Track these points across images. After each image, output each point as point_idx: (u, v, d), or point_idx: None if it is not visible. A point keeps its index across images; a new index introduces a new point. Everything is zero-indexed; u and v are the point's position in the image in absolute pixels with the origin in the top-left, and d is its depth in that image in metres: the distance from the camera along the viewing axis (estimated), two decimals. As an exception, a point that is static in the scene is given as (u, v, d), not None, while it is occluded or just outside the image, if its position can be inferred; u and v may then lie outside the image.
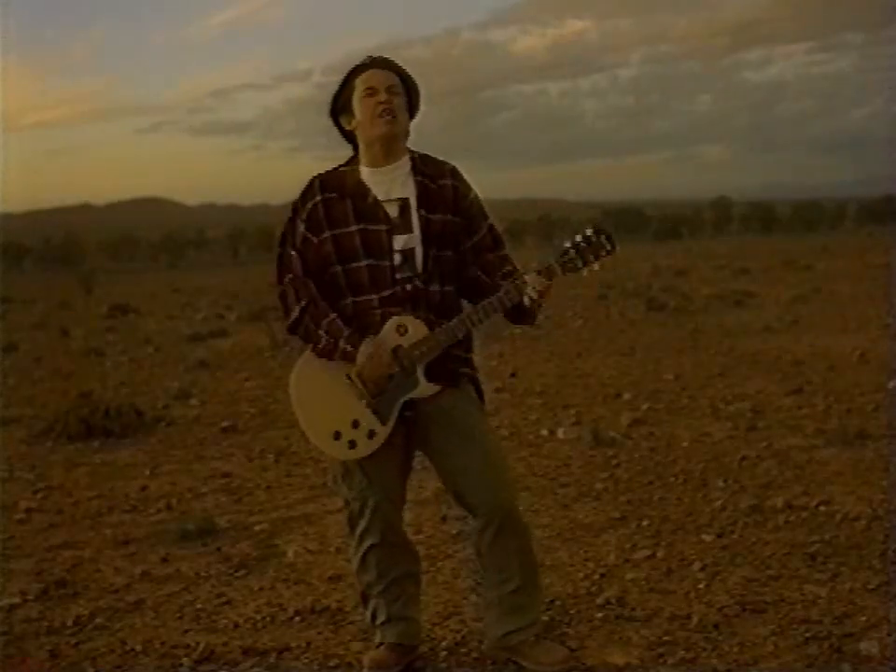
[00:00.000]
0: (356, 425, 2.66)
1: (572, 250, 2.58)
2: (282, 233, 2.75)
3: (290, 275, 2.71)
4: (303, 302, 2.68)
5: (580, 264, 2.58)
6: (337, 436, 2.67)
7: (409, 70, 2.72)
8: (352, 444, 2.67)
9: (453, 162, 2.77)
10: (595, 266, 2.59)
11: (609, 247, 2.58)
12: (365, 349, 2.62)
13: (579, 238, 2.58)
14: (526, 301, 2.59)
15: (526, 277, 2.59)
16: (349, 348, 2.63)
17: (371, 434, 2.67)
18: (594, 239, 2.57)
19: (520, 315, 2.68)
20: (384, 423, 2.67)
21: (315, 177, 2.74)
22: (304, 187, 2.74)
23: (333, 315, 2.66)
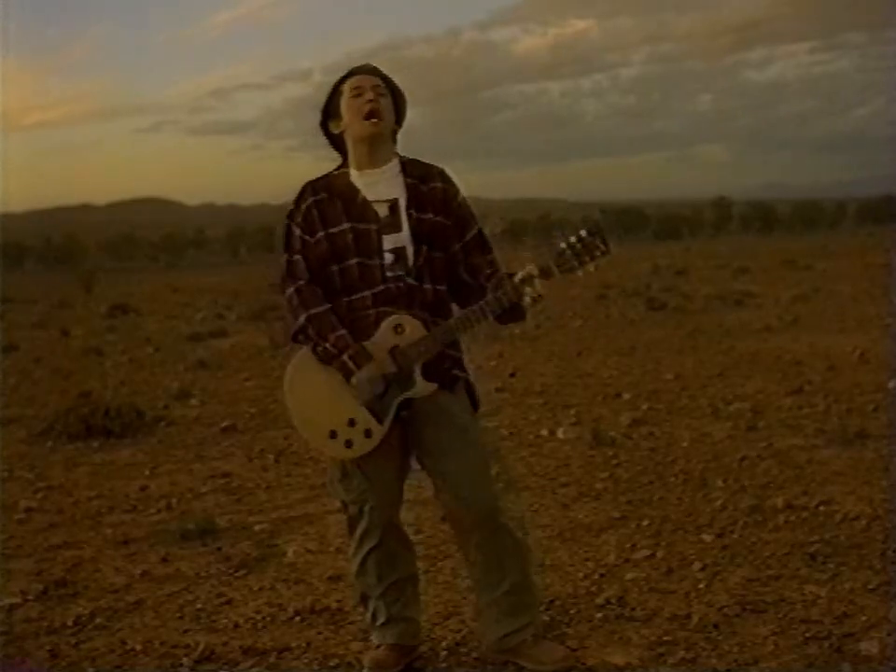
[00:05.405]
0: (352, 423, 2.66)
1: (568, 251, 2.59)
2: (283, 241, 2.76)
3: (300, 282, 2.70)
4: (311, 311, 2.68)
5: (575, 264, 2.59)
6: (333, 435, 2.68)
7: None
8: (348, 443, 2.67)
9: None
10: (591, 267, 2.60)
11: (603, 248, 2.59)
12: (366, 374, 2.61)
13: (573, 239, 2.59)
14: (527, 300, 2.60)
15: (519, 274, 2.60)
16: (351, 364, 2.63)
17: (368, 433, 2.67)
18: (588, 240, 2.58)
19: (510, 315, 2.67)
20: (380, 422, 2.67)
21: (306, 183, 2.79)
22: (297, 193, 2.78)
23: (343, 332, 2.65)
